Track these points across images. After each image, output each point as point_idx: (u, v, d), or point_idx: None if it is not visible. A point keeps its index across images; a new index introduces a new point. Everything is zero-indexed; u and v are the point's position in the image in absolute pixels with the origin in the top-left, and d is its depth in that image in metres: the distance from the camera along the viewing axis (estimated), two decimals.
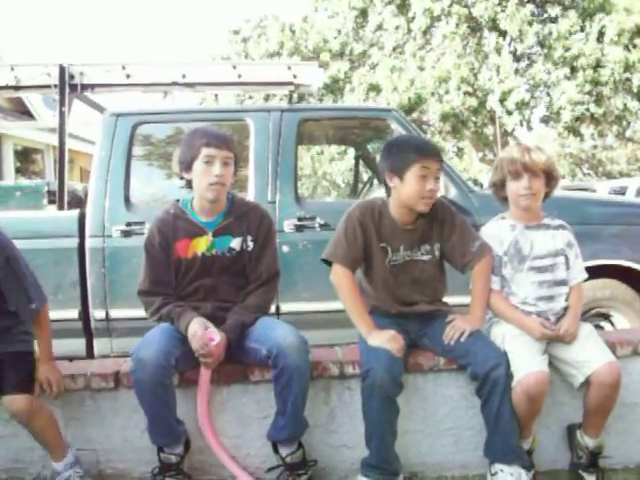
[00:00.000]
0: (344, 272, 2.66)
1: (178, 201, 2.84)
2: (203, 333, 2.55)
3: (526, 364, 2.52)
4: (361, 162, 6.32)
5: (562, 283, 2.75)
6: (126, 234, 4.05)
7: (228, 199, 2.80)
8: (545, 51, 14.97)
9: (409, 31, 15.23)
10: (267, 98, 12.77)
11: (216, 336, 2.56)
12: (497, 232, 2.78)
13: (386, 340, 2.53)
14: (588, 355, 2.59)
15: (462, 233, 2.74)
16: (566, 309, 2.74)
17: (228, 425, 2.79)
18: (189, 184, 2.75)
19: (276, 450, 2.68)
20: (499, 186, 2.80)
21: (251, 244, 2.76)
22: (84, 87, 4.46)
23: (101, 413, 2.80)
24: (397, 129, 4.32)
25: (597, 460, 2.69)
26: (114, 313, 4.09)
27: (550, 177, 2.71)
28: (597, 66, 14.22)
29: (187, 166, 2.71)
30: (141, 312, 3.81)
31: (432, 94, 14.42)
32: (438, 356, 2.73)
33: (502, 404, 2.51)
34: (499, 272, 2.75)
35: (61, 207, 4.25)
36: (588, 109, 14.57)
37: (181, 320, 2.61)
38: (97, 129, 4.31)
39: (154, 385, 2.47)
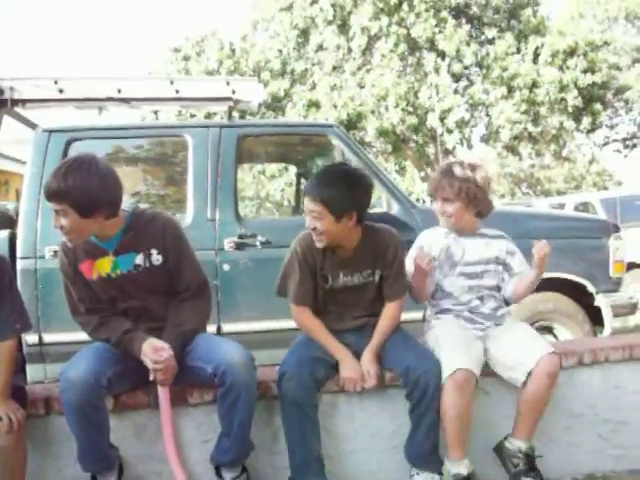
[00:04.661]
0: (301, 310, 2.72)
1: None
2: (153, 348, 2.44)
3: (456, 361, 2.53)
4: (302, 180, 6.29)
5: (494, 289, 2.82)
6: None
7: (128, 214, 2.63)
8: (483, 71, 15.34)
9: (349, 50, 15.39)
10: (208, 116, 12.65)
11: (165, 347, 2.45)
12: (428, 239, 2.86)
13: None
14: (529, 350, 2.63)
15: (398, 269, 2.74)
16: (500, 309, 2.83)
17: None
18: None
19: (219, 474, 2.59)
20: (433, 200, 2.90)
21: (159, 257, 2.59)
22: (14, 102, 4.31)
23: (32, 442, 2.64)
24: (338, 145, 4.31)
25: (534, 463, 2.66)
26: (48, 337, 3.93)
27: (468, 200, 2.73)
28: (533, 86, 14.64)
29: None
30: (76, 335, 3.70)
31: (372, 112, 14.57)
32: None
33: (427, 410, 2.56)
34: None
35: None
36: (526, 128, 14.97)
37: (134, 348, 2.49)
38: (29, 146, 4.16)
39: (83, 406, 2.35)
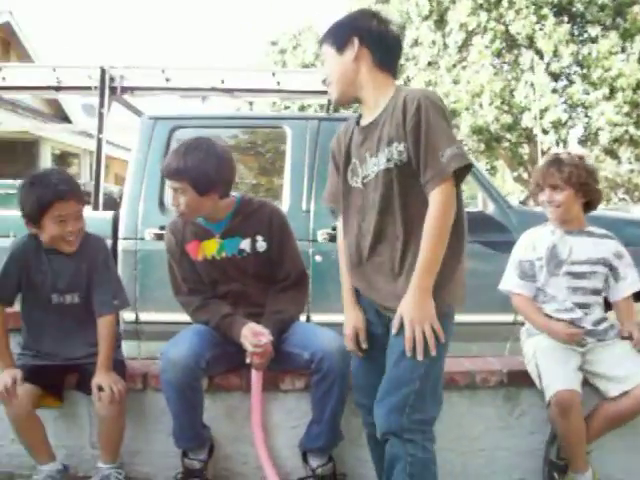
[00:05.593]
0: None
1: None
2: (253, 332, 2.50)
3: (557, 381, 2.46)
4: None
5: (598, 293, 2.68)
6: (159, 237, 4.03)
7: (237, 199, 2.73)
8: (584, 71, 14.80)
9: (445, 46, 15.18)
10: (302, 108, 12.78)
11: (265, 332, 2.51)
12: (533, 238, 2.75)
13: None
14: (628, 372, 2.52)
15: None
16: (603, 322, 2.66)
17: None
18: None
19: (305, 460, 2.62)
20: (535, 195, 2.79)
21: (264, 244, 2.67)
22: (124, 90, 4.50)
23: (127, 415, 2.76)
24: None
25: None
26: (144, 316, 4.08)
27: (579, 189, 2.64)
28: (637, 87, 14.00)
29: None
30: (170, 316, 3.84)
31: (466, 109, 14.33)
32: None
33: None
34: (530, 278, 2.70)
35: (96, 208, 4.27)
36: (627, 131, 14.35)
37: (233, 332, 2.56)
38: (134, 132, 4.32)
39: (182, 386, 2.44)
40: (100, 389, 2.50)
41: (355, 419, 2.70)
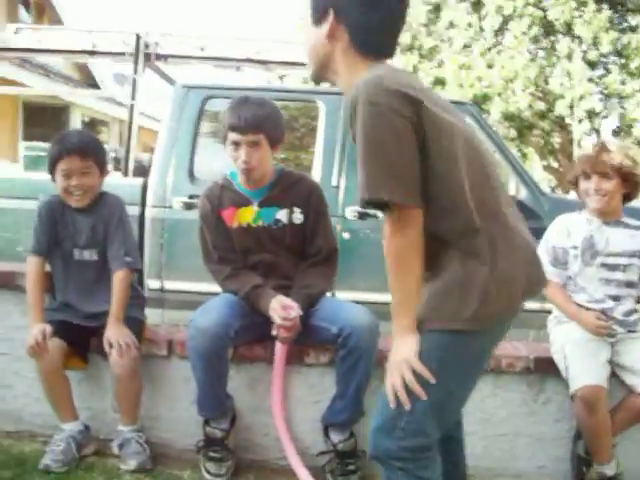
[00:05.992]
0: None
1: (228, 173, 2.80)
2: (282, 305, 2.49)
3: (584, 375, 2.44)
4: None
5: (632, 285, 2.66)
6: (188, 207, 4.04)
7: (276, 170, 2.72)
8: (622, 61, 14.50)
9: (481, 30, 14.93)
10: (333, 84, 12.69)
11: (294, 305, 2.50)
12: (568, 224, 2.72)
13: None
14: None
15: None
16: (634, 313, 2.64)
17: None
18: None
19: (327, 435, 2.62)
20: (574, 184, 2.75)
21: (301, 216, 2.67)
22: (158, 57, 4.49)
23: (150, 380, 2.78)
24: (471, 124, 4.20)
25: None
26: (169, 285, 4.09)
27: (626, 177, 2.61)
28: None
29: (223, 141, 2.66)
30: (194, 286, 3.84)
31: (499, 94, 14.12)
32: None
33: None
34: (562, 266, 2.68)
35: (126, 174, 4.27)
36: None
37: (261, 303, 2.55)
38: (167, 100, 4.31)
39: (210, 355, 2.43)
40: (110, 346, 2.55)
41: (376, 397, 2.69)
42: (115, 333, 2.57)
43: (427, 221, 1.55)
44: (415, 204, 1.52)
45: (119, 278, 2.68)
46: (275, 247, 2.67)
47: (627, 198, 2.69)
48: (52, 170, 2.69)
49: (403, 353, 1.58)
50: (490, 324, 1.62)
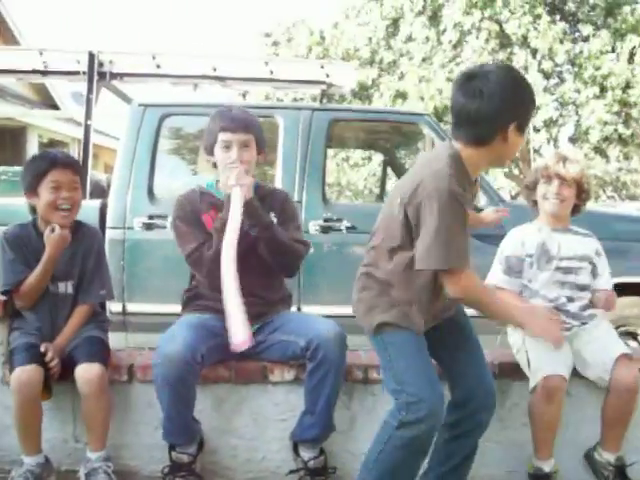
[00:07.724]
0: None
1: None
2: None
3: (546, 365, 2.50)
4: (388, 167, 6.23)
5: (584, 289, 2.74)
6: (148, 227, 3.98)
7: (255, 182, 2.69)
8: (575, 70, 14.83)
9: (439, 43, 15.13)
10: (295, 100, 12.71)
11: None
12: (520, 235, 2.79)
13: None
14: (608, 349, 2.61)
15: None
16: (588, 309, 2.73)
17: (245, 427, 2.69)
18: (215, 165, 2.68)
19: (297, 453, 2.58)
20: (531, 189, 2.83)
21: (275, 219, 2.66)
22: (113, 75, 4.41)
23: (113, 407, 2.70)
24: (429, 135, 4.24)
25: (626, 473, 2.61)
26: (131, 307, 4.02)
27: (581, 189, 2.74)
28: (627, 87, 14.05)
29: (210, 151, 2.66)
30: (158, 307, 3.78)
31: None
32: None
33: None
34: (516, 274, 2.73)
35: (83, 196, 4.18)
36: (616, 130, 14.40)
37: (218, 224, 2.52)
38: (124, 119, 4.25)
39: (177, 382, 2.37)
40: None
41: (346, 411, 2.67)
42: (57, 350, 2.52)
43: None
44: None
45: (85, 310, 2.66)
46: (252, 251, 2.60)
47: (574, 210, 2.80)
48: (34, 186, 2.58)
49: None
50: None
